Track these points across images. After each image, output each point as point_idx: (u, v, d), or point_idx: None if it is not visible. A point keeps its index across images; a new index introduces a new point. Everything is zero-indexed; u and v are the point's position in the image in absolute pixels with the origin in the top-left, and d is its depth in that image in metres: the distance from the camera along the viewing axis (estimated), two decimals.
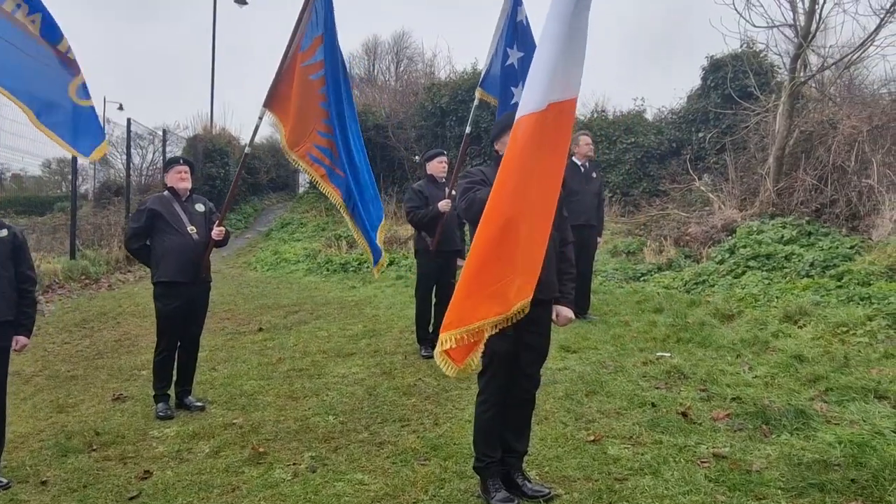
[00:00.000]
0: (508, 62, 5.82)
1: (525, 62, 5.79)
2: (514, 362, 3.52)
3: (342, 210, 5.52)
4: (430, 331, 6.92)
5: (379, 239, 5.64)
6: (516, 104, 6.09)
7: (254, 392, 5.82)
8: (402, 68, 35.24)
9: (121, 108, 32.49)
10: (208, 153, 21.45)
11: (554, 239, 3.53)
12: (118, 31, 58.59)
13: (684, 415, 4.55)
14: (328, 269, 13.41)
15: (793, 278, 8.20)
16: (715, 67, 15.80)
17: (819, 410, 4.42)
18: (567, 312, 3.60)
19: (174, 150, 23.15)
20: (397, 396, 5.50)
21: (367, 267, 13.11)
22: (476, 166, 3.66)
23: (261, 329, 8.43)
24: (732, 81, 14.22)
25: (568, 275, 3.65)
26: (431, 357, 6.70)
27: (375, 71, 37.74)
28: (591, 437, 4.30)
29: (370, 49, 38.67)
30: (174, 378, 5.48)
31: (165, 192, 5.41)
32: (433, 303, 6.93)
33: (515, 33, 5.74)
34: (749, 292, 7.92)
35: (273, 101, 5.41)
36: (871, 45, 11.80)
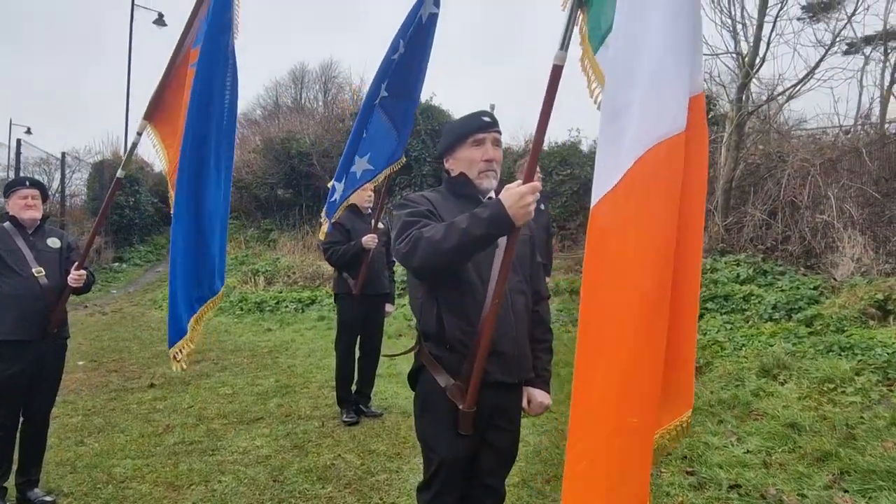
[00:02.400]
0: (395, 56, 4.70)
1: (402, 62, 4.68)
2: (469, 469, 2.46)
3: None
4: (354, 390, 5.80)
5: (195, 319, 3.72)
6: (379, 100, 4.91)
7: (126, 477, 4.55)
8: (330, 97, 34.23)
9: (28, 131, 30.09)
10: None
11: (525, 294, 2.52)
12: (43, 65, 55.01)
13: None
14: (242, 309, 12.06)
15: (755, 322, 7.45)
16: None
17: None
18: (542, 397, 2.57)
19: (80, 177, 21.41)
20: (309, 483, 4.34)
21: (286, 307, 11.86)
22: (418, 192, 2.57)
23: (152, 385, 7.10)
24: None
25: (543, 343, 2.63)
26: (354, 423, 5.59)
27: (303, 99, 36.60)
28: None
29: (297, 77, 37.55)
30: (14, 465, 4.17)
31: (6, 224, 4.15)
32: (357, 357, 5.82)
33: (411, 27, 4.62)
34: (713, 338, 7.11)
35: (157, 112, 4.17)
36: (811, 77, 11.51)
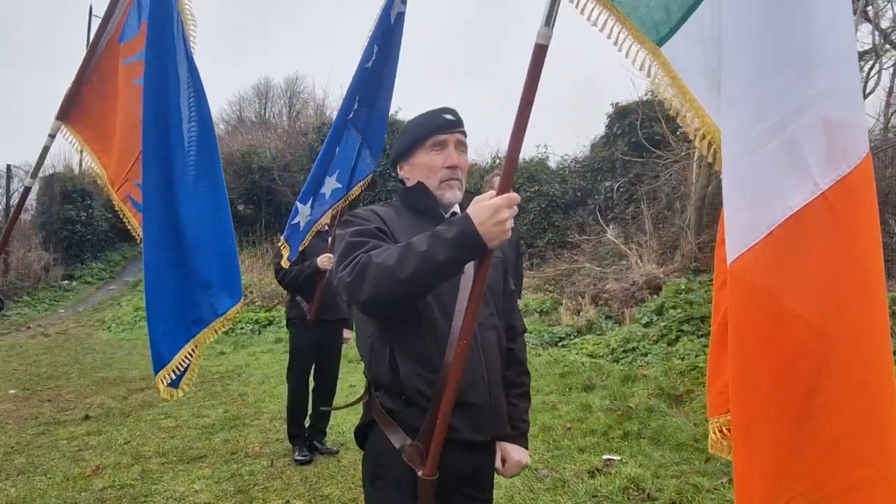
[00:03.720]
0: (369, 63, 4.22)
1: (377, 69, 4.22)
2: None
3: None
4: (308, 425, 5.28)
5: (193, 346, 2.96)
6: (351, 118, 4.31)
7: None
8: (295, 112, 33.70)
9: None
10: (67, 194, 19.01)
11: (497, 330, 2.06)
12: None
13: None
14: None
15: None
16: (621, 114, 15.18)
17: None
18: (520, 455, 2.10)
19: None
20: None
21: (242, 328, 11.26)
22: (367, 207, 2.08)
23: (87, 417, 6.49)
24: (641, 128, 13.51)
25: (519, 388, 2.17)
26: (307, 462, 5.04)
27: (267, 114, 35.98)
28: None
29: (261, 92, 36.92)
30: None
31: None
32: (311, 388, 5.30)
33: (382, 29, 4.15)
34: (691, 364, 6.73)
35: (74, 111, 3.61)
36: None
